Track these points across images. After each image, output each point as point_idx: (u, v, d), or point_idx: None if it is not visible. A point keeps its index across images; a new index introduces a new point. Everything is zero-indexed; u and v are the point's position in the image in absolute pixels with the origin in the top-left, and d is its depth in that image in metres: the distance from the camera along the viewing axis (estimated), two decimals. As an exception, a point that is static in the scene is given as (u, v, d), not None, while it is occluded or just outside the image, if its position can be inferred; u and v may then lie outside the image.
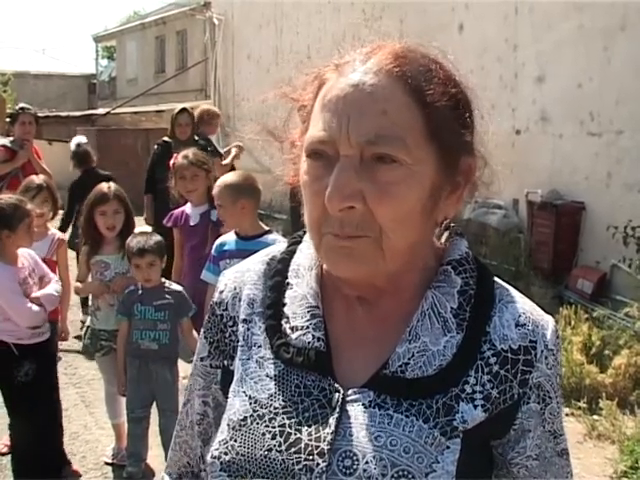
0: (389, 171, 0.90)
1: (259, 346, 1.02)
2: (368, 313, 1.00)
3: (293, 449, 0.93)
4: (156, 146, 6.57)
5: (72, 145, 6.89)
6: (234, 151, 6.89)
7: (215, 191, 3.78)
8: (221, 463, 0.96)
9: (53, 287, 3.62)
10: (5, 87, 24.13)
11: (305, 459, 0.92)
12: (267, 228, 3.81)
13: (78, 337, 5.00)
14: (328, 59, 0.98)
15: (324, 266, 1.02)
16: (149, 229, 4.96)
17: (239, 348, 1.03)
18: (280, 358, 0.99)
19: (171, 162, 4.68)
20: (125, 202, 3.96)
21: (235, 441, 0.96)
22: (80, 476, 3.82)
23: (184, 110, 6.46)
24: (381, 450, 0.91)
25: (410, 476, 0.89)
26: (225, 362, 1.06)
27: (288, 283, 1.04)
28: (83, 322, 4.06)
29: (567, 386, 4.60)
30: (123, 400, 3.86)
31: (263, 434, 0.95)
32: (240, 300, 1.06)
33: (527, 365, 0.96)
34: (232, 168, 6.08)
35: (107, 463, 4.03)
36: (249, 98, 13.43)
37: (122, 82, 25.81)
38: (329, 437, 0.92)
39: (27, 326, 3.52)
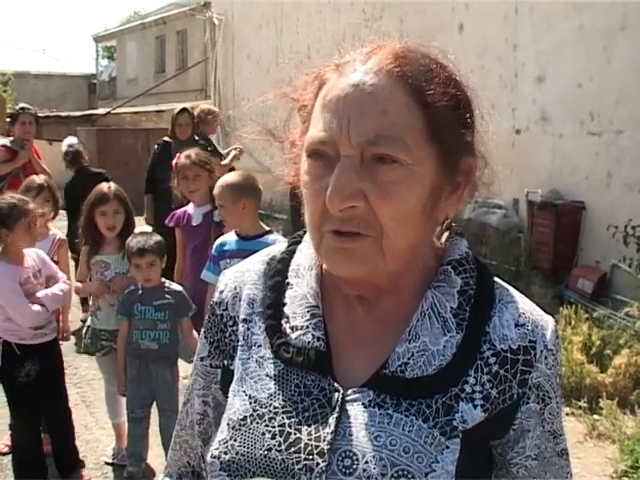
0: (389, 171, 0.90)
1: (259, 346, 1.02)
2: (368, 313, 1.00)
3: (293, 449, 0.93)
4: (156, 146, 6.58)
5: (63, 146, 6.90)
6: (234, 152, 6.89)
7: (216, 191, 3.77)
8: (221, 463, 0.96)
9: (58, 287, 3.62)
10: (5, 87, 24.13)
11: (305, 459, 0.92)
12: (268, 228, 3.81)
13: (73, 333, 4.98)
14: (328, 59, 0.98)
15: (324, 266, 1.02)
16: (149, 229, 4.96)
17: (239, 348, 1.03)
18: (280, 358, 0.99)
19: (173, 162, 4.68)
20: (125, 202, 3.96)
21: (235, 441, 0.96)
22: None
23: (184, 110, 6.46)
24: (381, 450, 0.91)
25: (410, 476, 0.89)
26: (225, 362, 1.06)
27: (288, 283, 1.04)
28: (83, 321, 4.06)
29: (567, 386, 4.60)
30: (123, 400, 3.86)
31: (263, 434, 0.95)
32: (240, 300, 1.06)
33: (526, 365, 0.96)
34: (231, 169, 6.07)
35: (107, 463, 4.03)
36: (249, 98, 13.42)
37: (122, 82, 25.81)
38: (329, 437, 0.92)
39: (28, 326, 3.52)
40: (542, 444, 1.00)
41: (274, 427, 0.95)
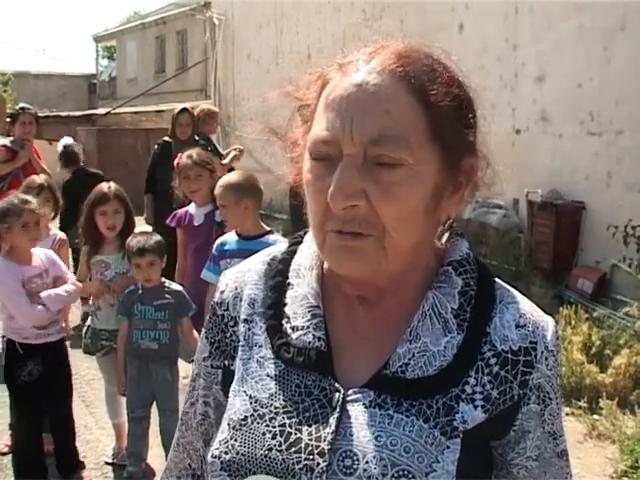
0: (392, 171, 0.90)
1: (260, 346, 1.02)
2: (369, 313, 1.00)
3: (293, 449, 0.93)
4: (156, 146, 6.58)
5: (60, 146, 6.91)
6: (233, 153, 6.89)
7: (217, 191, 3.77)
8: (221, 462, 0.96)
9: (63, 288, 3.62)
10: (5, 87, 24.13)
11: (305, 459, 0.92)
12: (268, 228, 3.81)
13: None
14: (328, 59, 0.99)
15: (325, 266, 1.02)
16: (149, 229, 4.96)
17: (240, 348, 1.03)
18: (281, 358, 0.99)
19: (175, 162, 4.68)
20: (125, 202, 3.96)
21: (235, 440, 0.96)
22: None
23: (185, 110, 6.46)
24: (381, 450, 0.91)
25: (410, 476, 0.89)
26: (226, 362, 1.06)
27: (289, 283, 1.04)
28: (84, 321, 4.06)
29: (567, 386, 4.60)
30: (123, 400, 3.86)
31: (263, 434, 0.95)
32: (241, 300, 1.06)
33: (527, 366, 0.97)
34: (231, 169, 6.07)
35: (107, 463, 4.03)
36: (249, 98, 13.43)
37: (122, 82, 25.81)
38: (329, 437, 0.92)
39: (29, 325, 3.53)
40: (542, 445, 1.00)
41: (275, 427, 0.95)
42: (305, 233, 1.08)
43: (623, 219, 6.09)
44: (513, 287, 1.04)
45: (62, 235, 4.49)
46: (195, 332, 3.72)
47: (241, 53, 14.12)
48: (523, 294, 1.04)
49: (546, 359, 0.98)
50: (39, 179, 4.65)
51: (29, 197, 3.72)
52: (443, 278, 0.99)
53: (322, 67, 0.99)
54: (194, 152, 4.54)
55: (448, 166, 0.94)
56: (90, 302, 4.00)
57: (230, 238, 3.75)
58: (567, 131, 7.05)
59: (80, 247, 4.06)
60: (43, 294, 3.52)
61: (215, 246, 3.78)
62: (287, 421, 0.95)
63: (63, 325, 3.73)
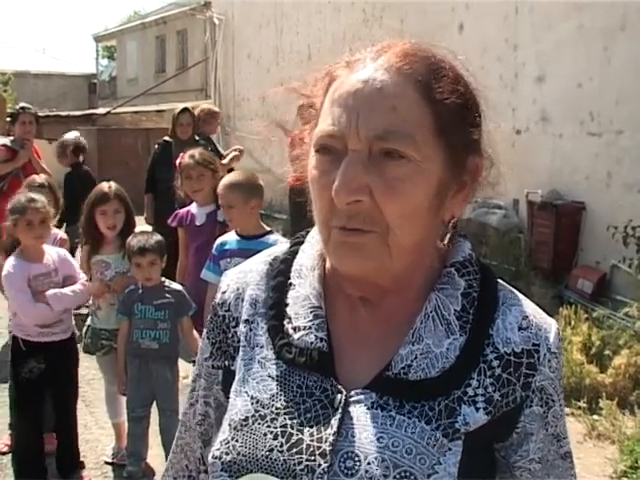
0: (397, 167, 0.90)
1: (261, 346, 1.02)
2: (371, 314, 0.99)
3: (295, 449, 0.93)
4: (157, 146, 6.58)
5: (71, 136, 6.87)
6: (233, 153, 6.90)
7: (223, 191, 3.74)
8: (222, 463, 0.96)
9: (70, 287, 3.62)
10: (5, 86, 24.13)
11: (307, 460, 0.92)
12: (269, 228, 3.81)
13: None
14: (329, 59, 0.99)
15: (327, 266, 1.02)
16: (149, 229, 4.97)
17: (241, 348, 1.03)
18: (282, 358, 0.99)
19: (177, 162, 4.68)
20: (126, 201, 3.97)
21: (236, 441, 0.96)
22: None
23: (186, 110, 6.45)
24: (383, 451, 0.91)
25: (412, 477, 0.89)
26: (227, 362, 1.06)
27: (291, 283, 1.04)
28: (84, 321, 4.07)
29: (567, 386, 4.60)
30: (123, 399, 3.87)
31: (265, 434, 0.95)
32: (243, 300, 1.06)
33: (530, 368, 0.96)
34: (230, 170, 6.07)
35: (107, 462, 4.03)
36: (249, 98, 13.43)
37: (122, 82, 25.81)
38: (331, 438, 0.92)
39: (32, 323, 3.56)
40: (546, 447, 1.00)
41: (276, 428, 0.95)
42: (307, 233, 1.08)
43: (623, 219, 6.09)
44: (513, 287, 1.04)
45: (63, 234, 4.49)
46: (195, 332, 3.72)
47: (241, 53, 14.12)
48: (523, 294, 1.04)
49: (549, 361, 0.98)
50: (39, 179, 4.65)
51: (37, 196, 3.73)
52: (446, 279, 0.99)
53: (330, 64, 0.99)
54: (196, 152, 4.55)
55: (453, 164, 0.94)
56: (90, 302, 4.00)
57: (230, 238, 3.76)
58: (567, 131, 7.05)
59: (81, 246, 4.06)
60: (48, 293, 3.53)
61: (215, 246, 3.78)
62: (288, 422, 0.95)
63: (68, 326, 3.71)
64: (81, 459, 3.90)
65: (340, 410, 0.94)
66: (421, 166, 0.91)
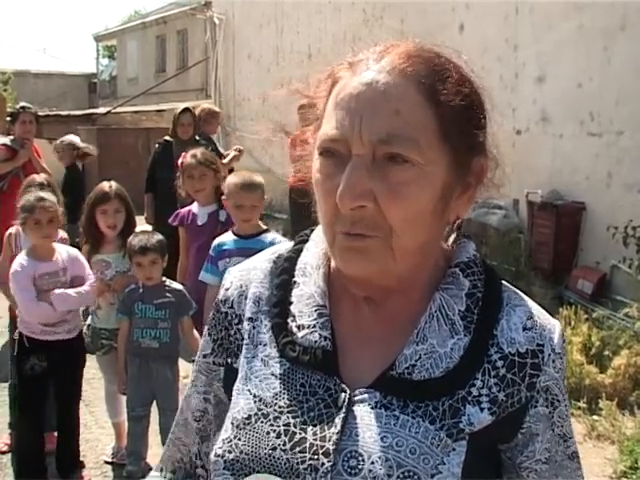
0: (401, 171, 0.90)
1: (265, 344, 1.01)
2: (375, 313, 0.99)
3: (298, 448, 0.92)
4: (157, 145, 6.57)
5: (76, 139, 6.95)
6: (233, 153, 6.90)
7: (246, 193, 3.70)
8: (225, 462, 0.96)
9: (76, 289, 3.62)
10: (5, 86, 24.11)
11: (310, 458, 0.91)
12: (265, 227, 3.81)
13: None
14: (329, 59, 0.98)
15: (332, 265, 1.02)
16: (149, 228, 4.97)
17: (244, 346, 1.03)
18: (286, 357, 0.99)
19: (179, 161, 4.69)
20: (126, 201, 3.97)
21: (239, 440, 0.96)
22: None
23: (187, 110, 6.45)
24: (387, 451, 0.90)
25: (416, 477, 0.89)
26: (229, 360, 1.06)
27: (295, 282, 1.03)
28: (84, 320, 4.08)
29: (567, 386, 4.59)
30: (123, 399, 3.87)
31: (268, 433, 0.95)
32: (246, 298, 1.05)
33: (535, 368, 0.96)
34: (230, 170, 6.07)
35: (107, 462, 4.03)
36: (250, 98, 13.43)
37: (123, 81, 25.82)
38: (334, 437, 0.92)
39: (32, 321, 3.57)
40: (553, 448, 1.00)
41: (279, 426, 0.95)
42: (311, 231, 1.08)
43: (623, 220, 6.09)
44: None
45: (64, 234, 4.49)
46: (195, 332, 3.73)
47: (242, 53, 14.12)
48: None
49: (553, 362, 0.98)
50: (39, 178, 4.65)
51: (47, 195, 3.74)
52: (450, 279, 0.99)
53: (332, 66, 0.98)
54: (198, 151, 4.55)
55: (458, 166, 0.93)
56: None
57: (227, 238, 3.76)
58: (567, 131, 7.04)
59: (81, 245, 4.06)
60: (56, 292, 3.54)
61: (212, 247, 3.78)
62: (291, 420, 0.95)
63: (73, 326, 3.70)
64: (81, 458, 3.90)
65: (344, 409, 0.93)
66: (425, 170, 0.90)
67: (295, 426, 0.94)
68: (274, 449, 0.93)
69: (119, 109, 18.63)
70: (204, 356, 1.10)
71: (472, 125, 0.94)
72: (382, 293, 0.98)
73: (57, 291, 3.55)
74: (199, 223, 4.40)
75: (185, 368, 3.82)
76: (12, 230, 4.10)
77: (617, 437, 4.19)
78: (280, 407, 0.96)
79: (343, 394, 0.95)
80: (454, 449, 0.91)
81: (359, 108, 0.90)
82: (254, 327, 1.03)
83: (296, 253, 1.07)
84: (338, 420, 0.93)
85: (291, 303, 1.02)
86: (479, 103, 0.96)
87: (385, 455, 0.90)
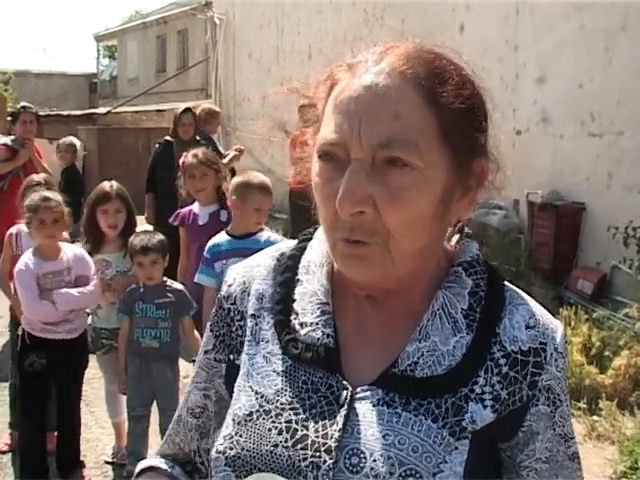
0: (401, 175, 0.89)
1: (267, 341, 1.01)
2: (377, 312, 0.99)
3: (300, 445, 0.92)
4: (157, 145, 6.57)
5: (76, 141, 6.98)
6: (233, 153, 6.90)
7: (264, 197, 3.72)
8: (226, 458, 0.96)
9: (79, 289, 3.61)
10: (6, 86, 24.10)
11: (312, 456, 0.91)
12: (259, 226, 3.80)
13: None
14: (329, 59, 0.98)
15: (335, 264, 1.02)
16: (150, 228, 4.97)
17: (246, 343, 1.03)
18: (288, 354, 0.98)
19: (180, 161, 4.69)
20: (127, 201, 3.97)
21: (240, 436, 0.96)
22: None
23: (188, 110, 6.44)
24: (389, 448, 0.90)
25: (418, 475, 0.89)
26: (231, 356, 1.06)
27: (298, 279, 1.03)
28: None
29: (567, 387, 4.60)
30: (123, 399, 3.87)
31: (269, 430, 0.95)
32: (249, 295, 1.05)
33: (537, 367, 0.96)
34: (231, 170, 6.07)
35: (107, 462, 4.03)
36: (250, 98, 13.43)
37: (123, 81, 25.81)
38: (336, 434, 0.92)
39: (33, 319, 3.58)
40: (554, 447, 0.99)
41: (281, 423, 0.95)
42: (315, 230, 1.07)
43: (623, 220, 6.09)
44: (513, 288, 1.04)
45: (64, 234, 4.49)
46: (196, 331, 3.73)
47: (242, 53, 14.13)
48: (524, 295, 1.04)
49: (555, 360, 0.97)
50: (38, 178, 4.65)
51: (52, 194, 3.75)
52: (453, 278, 0.99)
53: (331, 67, 0.97)
54: (200, 151, 4.55)
55: (458, 169, 0.93)
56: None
57: (221, 239, 3.75)
58: (568, 132, 7.05)
59: (81, 245, 4.07)
60: (60, 291, 3.54)
61: (207, 248, 3.77)
62: (293, 417, 0.95)
63: (76, 326, 3.69)
64: (81, 458, 3.90)
65: (346, 406, 0.93)
66: (425, 173, 0.89)
67: (297, 423, 0.94)
68: (276, 446, 0.93)
69: (119, 109, 18.62)
70: (205, 352, 1.10)
71: (473, 128, 0.93)
72: (384, 293, 0.98)
73: (61, 290, 3.55)
74: (200, 223, 4.40)
75: (185, 368, 3.82)
76: (13, 230, 4.11)
77: (617, 437, 4.19)
78: (282, 404, 0.96)
79: (345, 391, 0.95)
80: (456, 448, 0.91)
81: (358, 111, 0.89)
82: (256, 324, 1.03)
83: (300, 251, 1.06)
84: (340, 417, 0.93)
85: (294, 300, 1.02)
86: (480, 105, 0.95)
87: (387, 453, 0.90)
